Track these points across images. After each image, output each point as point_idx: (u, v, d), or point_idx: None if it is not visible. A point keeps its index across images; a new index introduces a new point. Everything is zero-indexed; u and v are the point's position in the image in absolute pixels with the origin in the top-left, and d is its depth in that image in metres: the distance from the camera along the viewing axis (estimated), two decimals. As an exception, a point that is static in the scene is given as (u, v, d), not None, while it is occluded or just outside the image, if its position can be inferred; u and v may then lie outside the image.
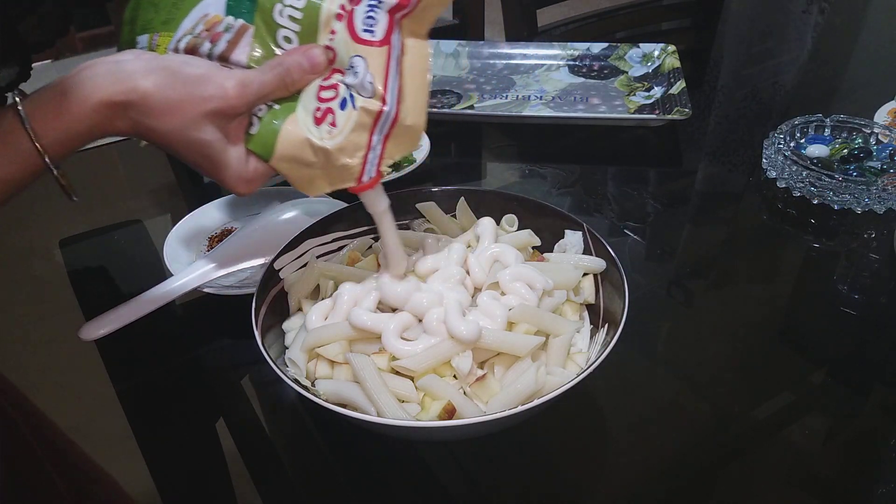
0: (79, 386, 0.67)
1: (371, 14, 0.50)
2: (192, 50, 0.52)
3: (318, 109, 0.51)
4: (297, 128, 0.51)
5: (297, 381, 0.51)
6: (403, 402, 0.53)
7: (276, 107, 0.52)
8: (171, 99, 0.48)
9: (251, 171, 0.52)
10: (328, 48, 0.51)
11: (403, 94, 0.51)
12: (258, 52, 0.52)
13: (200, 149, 0.50)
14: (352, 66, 0.50)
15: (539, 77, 1.15)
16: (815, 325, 0.73)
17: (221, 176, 0.52)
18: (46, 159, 0.46)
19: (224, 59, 0.52)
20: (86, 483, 0.58)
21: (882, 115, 0.98)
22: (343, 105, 0.51)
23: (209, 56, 0.52)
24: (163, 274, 0.72)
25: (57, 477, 0.57)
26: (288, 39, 0.52)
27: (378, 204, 0.56)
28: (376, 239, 0.69)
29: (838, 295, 0.74)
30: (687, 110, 0.98)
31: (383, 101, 0.50)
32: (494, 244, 0.62)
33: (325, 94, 0.51)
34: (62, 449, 0.59)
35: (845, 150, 0.88)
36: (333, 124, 0.51)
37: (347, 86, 0.51)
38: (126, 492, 0.57)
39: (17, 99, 0.46)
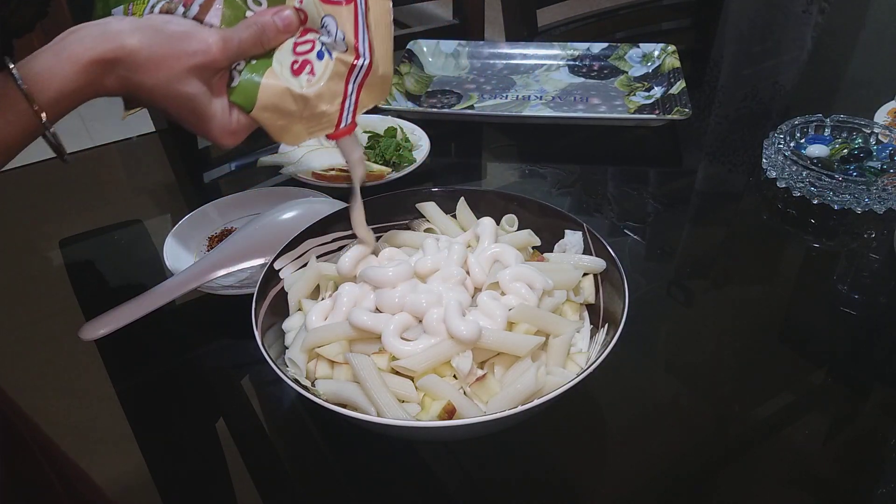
0: (79, 386, 0.67)
1: None
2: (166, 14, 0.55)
3: (296, 62, 0.55)
4: (276, 79, 0.55)
5: (297, 381, 0.51)
6: (403, 402, 0.53)
7: (253, 62, 0.55)
8: (157, 54, 0.50)
9: (235, 122, 0.55)
10: (298, 10, 0.55)
11: (374, 46, 0.55)
12: (230, 14, 0.55)
13: (186, 102, 0.53)
14: (324, 26, 0.54)
15: (539, 77, 1.15)
16: (815, 325, 0.73)
17: (207, 128, 0.55)
18: (44, 119, 0.48)
19: (198, 22, 0.54)
20: (81, 489, 0.58)
21: (882, 115, 0.98)
22: (321, 56, 0.55)
23: None
24: (163, 274, 0.72)
25: (55, 479, 0.56)
26: (258, 2, 0.55)
27: (354, 151, 0.60)
28: (376, 239, 0.69)
29: (838, 295, 0.74)
30: (687, 110, 0.98)
31: (357, 54, 0.54)
32: (494, 244, 0.62)
33: (302, 48, 0.55)
34: (58, 453, 0.59)
35: (845, 150, 0.88)
36: (312, 73, 0.55)
37: (323, 43, 0.55)
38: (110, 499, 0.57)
39: (11, 64, 0.47)
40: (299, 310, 0.63)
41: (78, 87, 0.49)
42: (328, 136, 0.58)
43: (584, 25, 1.38)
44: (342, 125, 0.57)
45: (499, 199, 0.69)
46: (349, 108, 0.56)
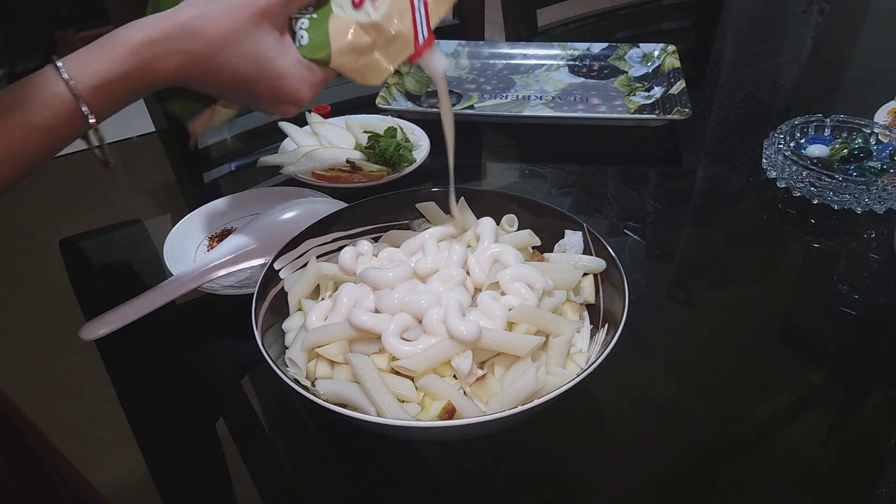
0: (79, 386, 0.67)
1: None
2: None
3: None
4: (341, 21, 0.54)
5: (297, 381, 0.51)
6: (403, 402, 0.53)
7: (314, 15, 0.54)
8: (215, 13, 0.49)
9: (310, 73, 0.54)
10: None
11: None
12: None
13: (256, 59, 0.51)
14: None
15: (539, 77, 1.15)
16: (815, 325, 0.73)
17: (282, 83, 0.53)
18: (83, 107, 0.46)
19: None
20: (81, 491, 0.58)
21: (882, 115, 0.98)
22: None
23: None
24: (163, 274, 0.72)
25: (56, 479, 0.57)
26: None
27: (439, 65, 0.59)
28: (376, 239, 0.69)
29: (838, 295, 0.74)
30: (687, 110, 0.98)
31: None
32: (494, 244, 0.62)
33: None
34: (57, 454, 0.59)
35: (845, 150, 0.88)
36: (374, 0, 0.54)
37: None
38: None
39: (55, 56, 0.46)
40: (299, 310, 0.63)
41: (124, 73, 0.47)
42: (410, 59, 0.57)
43: (584, 25, 1.38)
44: (419, 40, 0.56)
45: (499, 199, 0.69)
46: (421, 20, 0.55)
